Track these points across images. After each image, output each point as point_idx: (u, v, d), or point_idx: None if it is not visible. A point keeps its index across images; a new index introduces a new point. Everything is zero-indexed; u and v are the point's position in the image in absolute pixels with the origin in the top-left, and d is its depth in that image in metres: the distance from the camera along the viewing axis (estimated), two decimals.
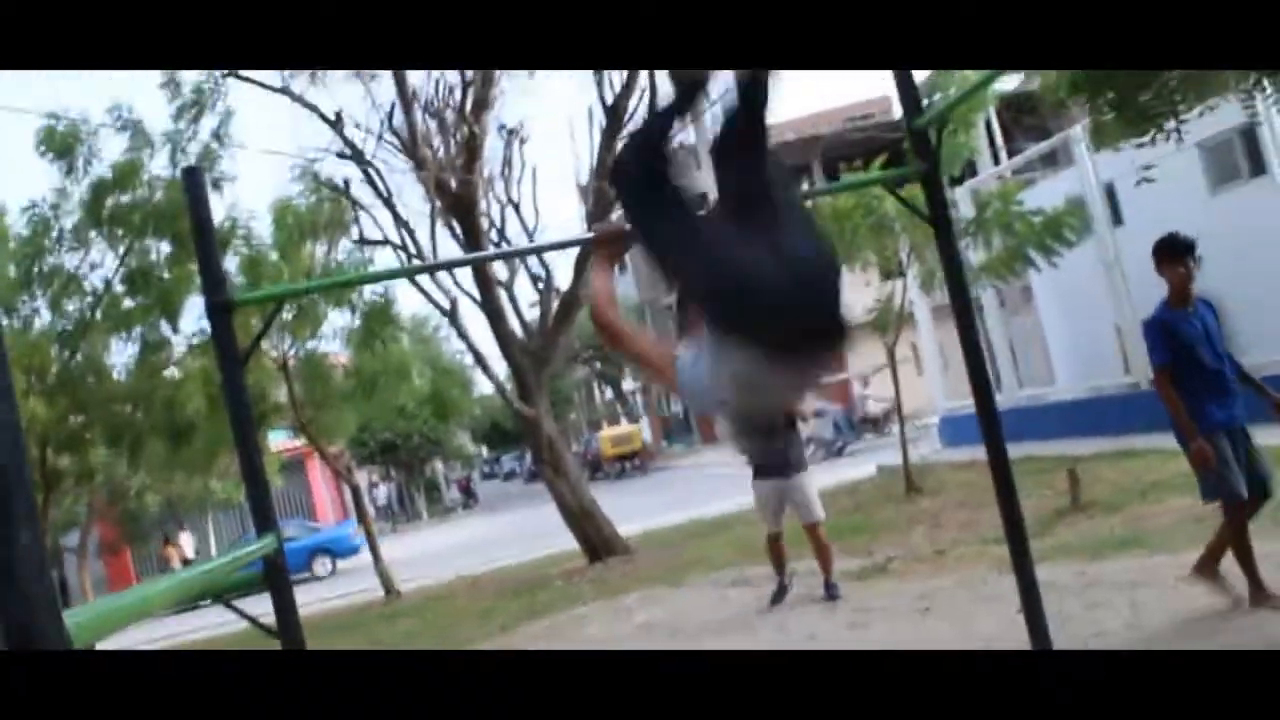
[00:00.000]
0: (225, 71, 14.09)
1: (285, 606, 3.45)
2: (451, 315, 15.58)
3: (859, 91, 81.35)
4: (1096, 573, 8.22)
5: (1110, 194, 16.20)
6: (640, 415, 59.74)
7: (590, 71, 14.02)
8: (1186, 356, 6.65)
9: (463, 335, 15.86)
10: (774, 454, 9.54)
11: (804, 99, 42.79)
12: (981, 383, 4.19)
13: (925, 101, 5.62)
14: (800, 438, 9.99)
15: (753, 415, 3.43)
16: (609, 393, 62.74)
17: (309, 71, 13.83)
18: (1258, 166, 14.10)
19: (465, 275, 15.85)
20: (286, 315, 15.88)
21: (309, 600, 20.02)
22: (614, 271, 4.05)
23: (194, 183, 3.80)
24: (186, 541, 32.20)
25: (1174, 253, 6.76)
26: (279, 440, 26.46)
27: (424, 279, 15.44)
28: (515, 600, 13.89)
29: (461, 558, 20.06)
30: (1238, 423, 6.60)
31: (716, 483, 26.08)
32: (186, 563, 30.53)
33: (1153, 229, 15.56)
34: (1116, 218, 16.25)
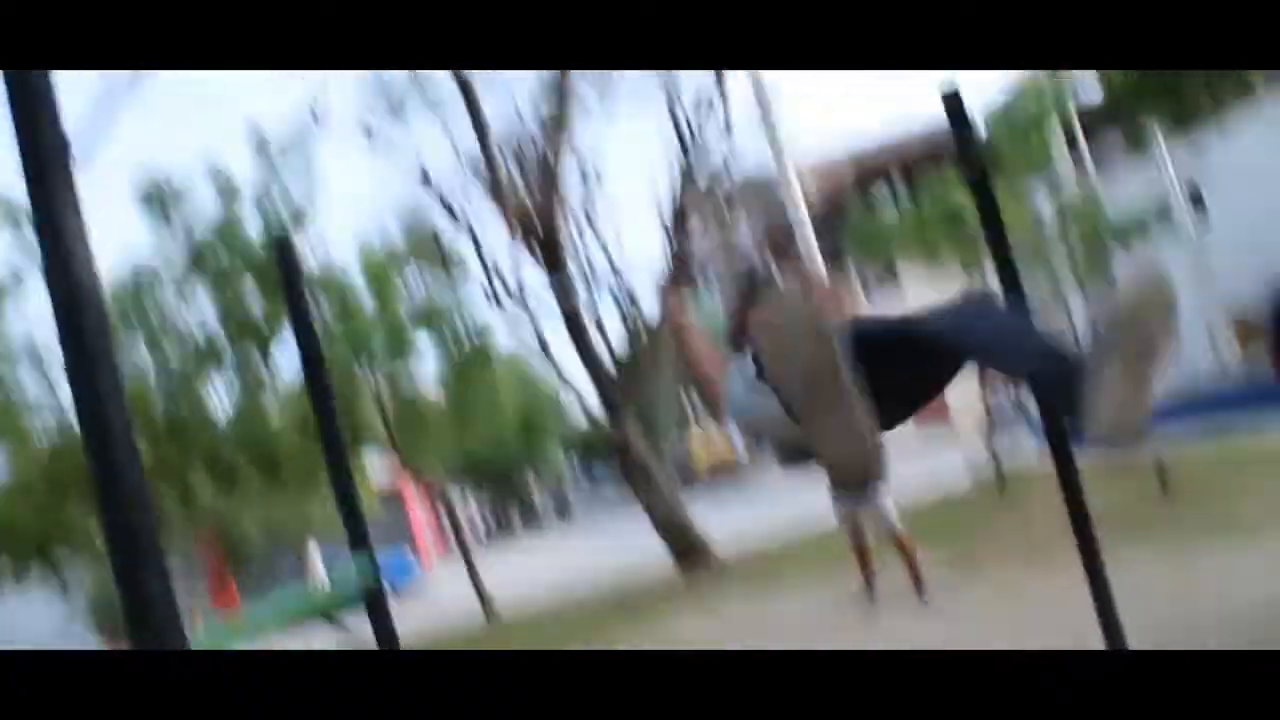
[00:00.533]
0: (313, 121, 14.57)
1: (385, 633, 3.65)
2: (544, 349, 16.10)
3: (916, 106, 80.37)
4: None
5: (1193, 189, 16.03)
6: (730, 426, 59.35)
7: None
8: None
9: (555, 367, 16.30)
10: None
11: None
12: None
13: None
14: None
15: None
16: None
17: (386, 108, 14.33)
18: None
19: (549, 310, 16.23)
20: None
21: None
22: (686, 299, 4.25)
23: (285, 253, 4.04)
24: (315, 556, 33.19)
25: None
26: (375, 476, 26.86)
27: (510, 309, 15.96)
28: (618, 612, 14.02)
29: (560, 574, 20.12)
30: None
31: (811, 494, 25.97)
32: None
33: (1237, 218, 15.52)
34: (1200, 212, 16.07)
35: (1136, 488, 11.49)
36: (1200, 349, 16.65)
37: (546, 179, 14.90)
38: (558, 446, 51.32)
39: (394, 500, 36.53)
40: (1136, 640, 4.92)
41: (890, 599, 9.94)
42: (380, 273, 16.65)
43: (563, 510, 50.70)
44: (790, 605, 11.47)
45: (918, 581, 9.70)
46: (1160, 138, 15.73)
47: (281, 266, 3.86)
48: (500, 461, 41.48)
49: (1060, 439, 4.23)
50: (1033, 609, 8.38)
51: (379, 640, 3.70)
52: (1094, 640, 5.11)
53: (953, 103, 4.16)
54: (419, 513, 40.39)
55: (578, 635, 13.31)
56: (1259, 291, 15.49)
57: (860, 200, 16.73)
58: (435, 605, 23.56)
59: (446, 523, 46.15)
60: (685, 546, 15.73)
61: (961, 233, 14.58)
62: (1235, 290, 15.67)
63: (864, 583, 10.07)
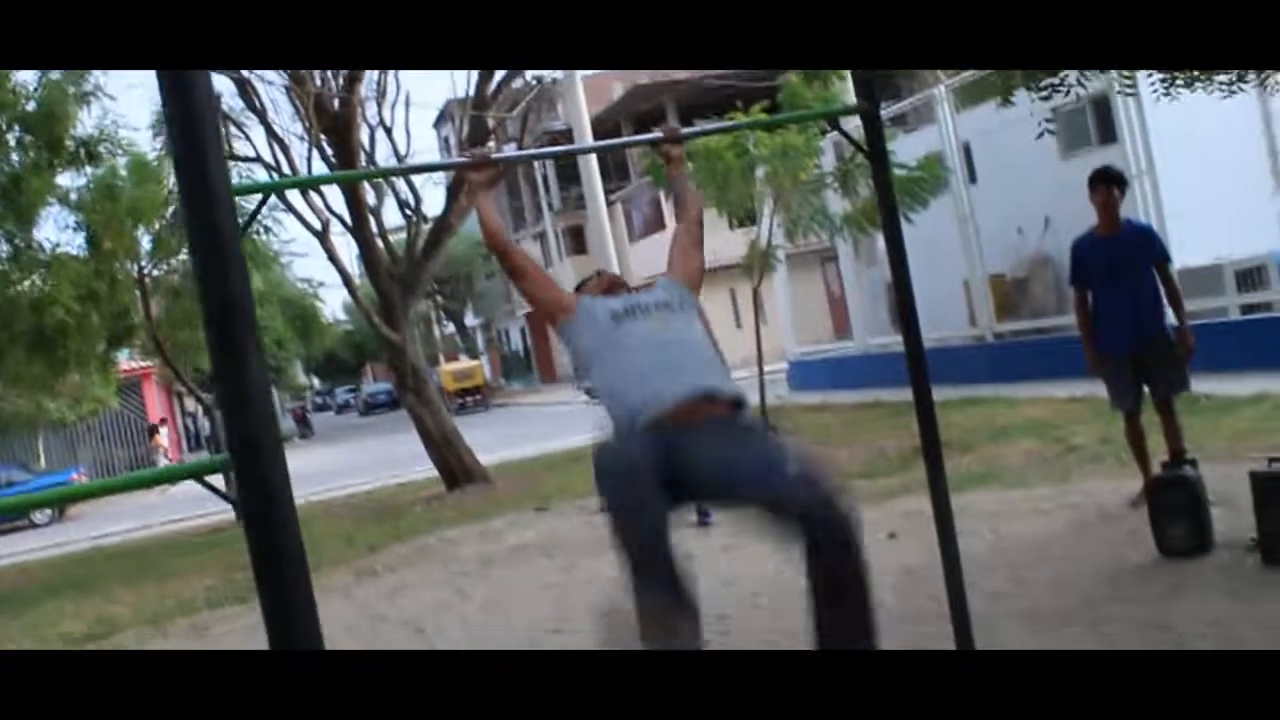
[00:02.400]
0: None
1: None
2: (323, 237, 15.48)
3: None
4: (960, 504, 8.74)
5: (966, 153, 16.90)
6: (480, 352, 59.68)
7: None
8: (1096, 278, 7.33)
9: (333, 258, 15.74)
10: None
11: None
12: (911, 322, 4.51)
13: None
14: None
15: None
16: (450, 327, 62.40)
17: None
18: (1107, 135, 14.90)
19: (336, 198, 15.78)
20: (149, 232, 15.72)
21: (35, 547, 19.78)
22: (491, 198, 4.33)
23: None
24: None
25: (1100, 182, 7.36)
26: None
27: (295, 200, 15.35)
28: (377, 524, 13.97)
29: (307, 485, 19.87)
30: (1137, 344, 7.19)
31: (558, 419, 26.51)
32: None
33: (1005, 188, 16.49)
34: (971, 177, 16.96)
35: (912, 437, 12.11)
36: (960, 307, 17.59)
37: (350, 75, 14.46)
38: (300, 360, 50.34)
39: (132, 389, 35.14)
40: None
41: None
42: (141, 158, 15.90)
43: (305, 430, 49.80)
44: (563, 519, 11.66)
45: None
46: (945, 102, 16.46)
47: None
48: None
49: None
50: None
51: None
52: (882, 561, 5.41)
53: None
54: (156, 408, 38.96)
55: (336, 538, 13.18)
56: (1018, 249, 16.52)
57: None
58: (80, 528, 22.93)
59: (182, 422, 44.84)
60: (453, 459, 15.72)
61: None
62: (995, 248, 16.67)
63: None
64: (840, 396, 18.19)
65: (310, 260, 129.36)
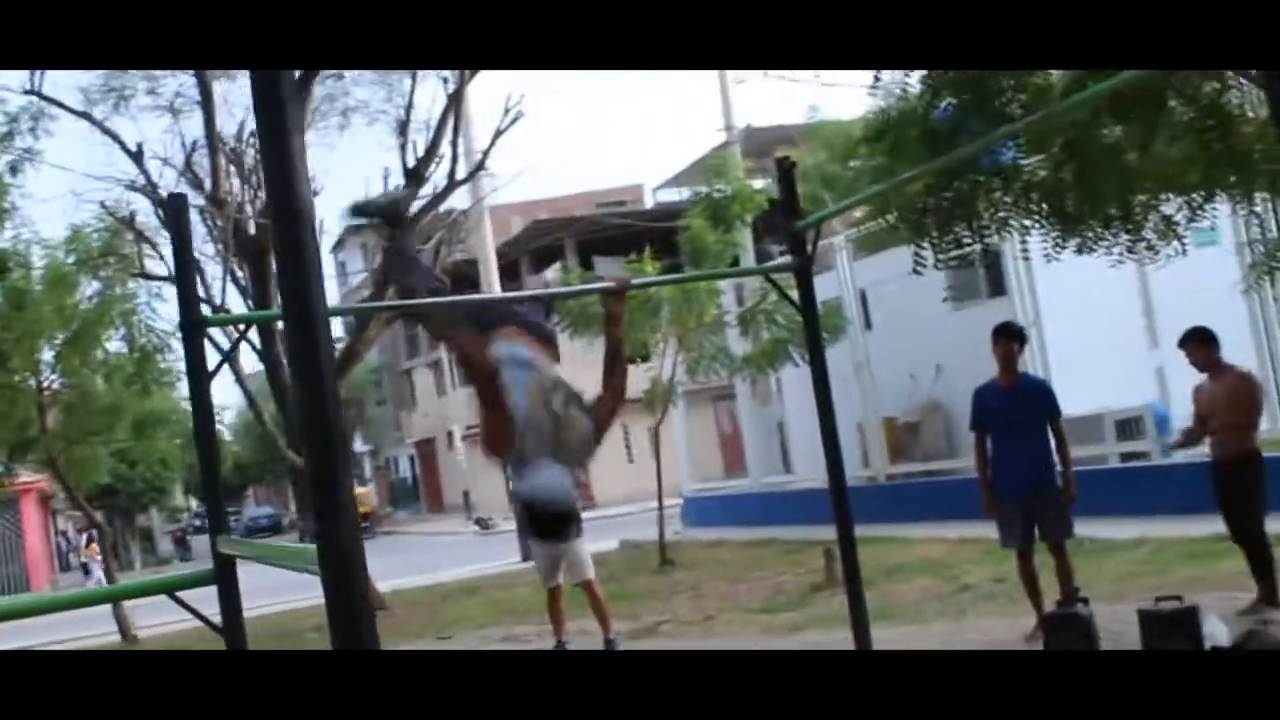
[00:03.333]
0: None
1: (232, 608, 3.77)
2: (231, 359, 15.48)
3: (610, 178, 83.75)
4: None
5: (862, 301, 17.58)
6: (368, 479, 59.05)
7: (395, 135, 14.39)
8: (994, 426, 7.81)
9: (240, 380, 15.76)
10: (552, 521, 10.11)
11: (554, 181, 43.87)
12: (835, 460, 4.83)
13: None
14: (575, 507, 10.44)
15: None
16: None
17: (115, 98, 13.75)
18: (997, 288, 15.66)
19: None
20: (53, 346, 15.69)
21: None
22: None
23: (178, 210, 4.12)
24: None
25: (1003, 336, 7.94)
26: None
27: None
28: (275, 649, 13.81)
29: (203, 605, 19.38)
30: (1032, 491, 7.65)
31: (447, 549, 26.34)
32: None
33: (899, 335, 17.15)
34: (867, 323, 17.63)
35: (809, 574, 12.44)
36: (854, 448, 18.07)
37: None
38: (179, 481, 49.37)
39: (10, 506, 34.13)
40: None
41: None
42: (56, 268, 15.88)
43: (184, 551, 48.55)
44: (467, 650, 11.68)
45: (605, 625, 10.12)
46: (844, 251, 17.18)
47: (171, 222, 3.90)
48: (128, 491, 39.53)
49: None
50: None
51: (224, 617, 3.80)
52: None
53: (790, 196, 4.69)
54: (34, 526, 37.86)
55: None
56: (911, 395, 17.13)
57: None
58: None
59: (57, 542, 43.49)
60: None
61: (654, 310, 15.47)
62: (889, 393, 17.28)
63: (554, 630, 10.42)
64: (735, 533, 18.45)
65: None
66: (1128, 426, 14.78)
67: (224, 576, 3.75)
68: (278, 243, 1.98)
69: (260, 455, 52.26)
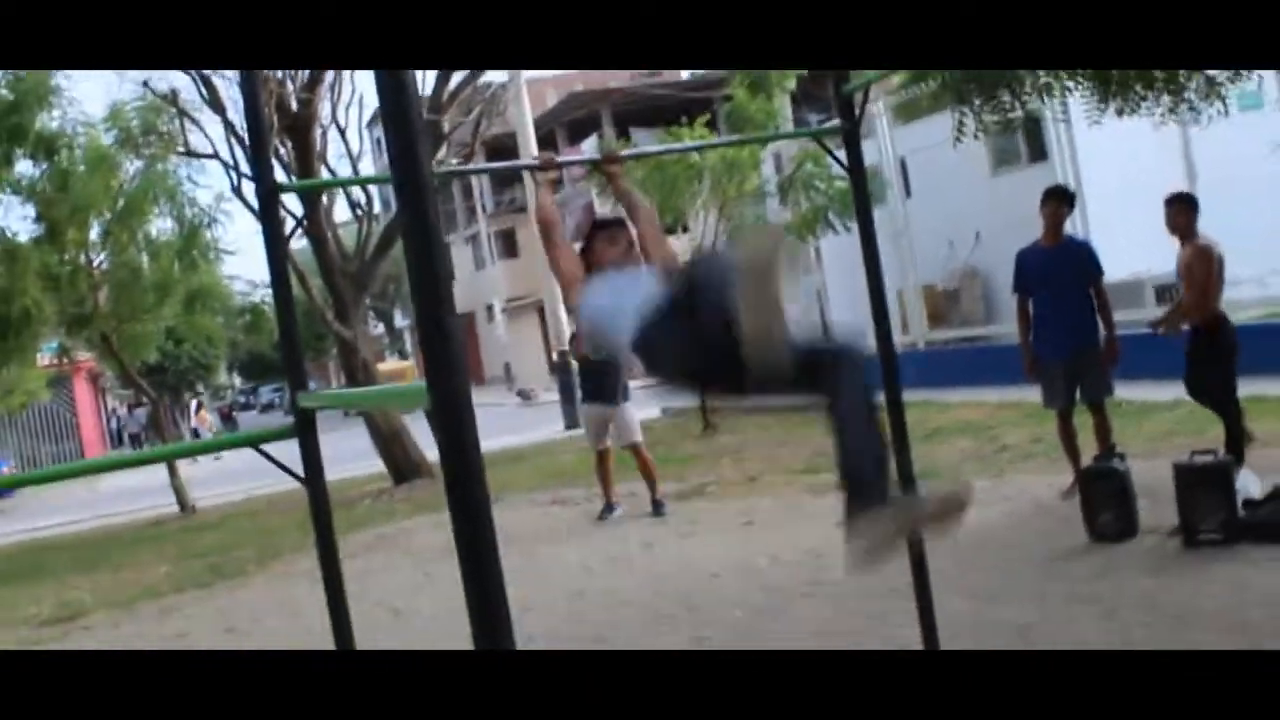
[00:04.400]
0: None
1: (313, 460, 4.02)
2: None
3: None
4: None
5: (902, 168, 17.57)
6: (409, 353, 59.68)
7: None
8: (1036, 287, 8.02)
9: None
10: (599, 385, 10.44)
11: None
12: (884, 329, 4.96)
13: None
14: (623, 371, 10.72)
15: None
16: (379, 327, 62.30)
17: None
18: (1037, 153, 15.62)
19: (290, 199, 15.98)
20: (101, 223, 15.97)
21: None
22: (553, 191, 4.79)
23: (250, 86, 4.28)
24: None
25: (1052, 199, 8.09)
26: (43, 356, 25.51)
27: (251, 195, 15.59)
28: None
29: (244, 480, 19.96)
30: (1073, 351, 7.90)
31: (491, 420, 26.67)
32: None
33: (938, 203, 17.18)
34: (906, 191, 17.64)
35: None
36: (893, 316, 18.24)
37: (313, 75, 14.76)
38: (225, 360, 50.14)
39: (64, 384, 34.84)
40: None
41: (627, 513, 10.68)
42: (97, 148, 16.06)
43: (231, 428, 49.31)
44: (516, 511, 12.03)
45: (653, 487, 10.45)
46: (883, 118, 17.11)
47: (244, 92, 4.01)
48: (175, 369, 40.27)
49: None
50: (767, 522, 9.28)
51: (305, 467, 4.05)
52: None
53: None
54: (86, 404, 38.69)
55: (290, 528, 13.47)
56: (949, 262, 17.22)
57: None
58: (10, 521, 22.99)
59: (115, 420, 44.40)
60: (400, 454, 16.04)
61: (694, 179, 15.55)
62: (928, 261, 17.37)
63: (602, 492, 10.75)
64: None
65: (240, 259, 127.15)
66: (1167, 292, 14.84)
67: (305, 430, 3.97)
68: (384, 112, 2.13)
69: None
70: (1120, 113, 6.93)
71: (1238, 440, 7.84)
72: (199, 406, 42.34)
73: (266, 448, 4.04)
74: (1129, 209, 14.56)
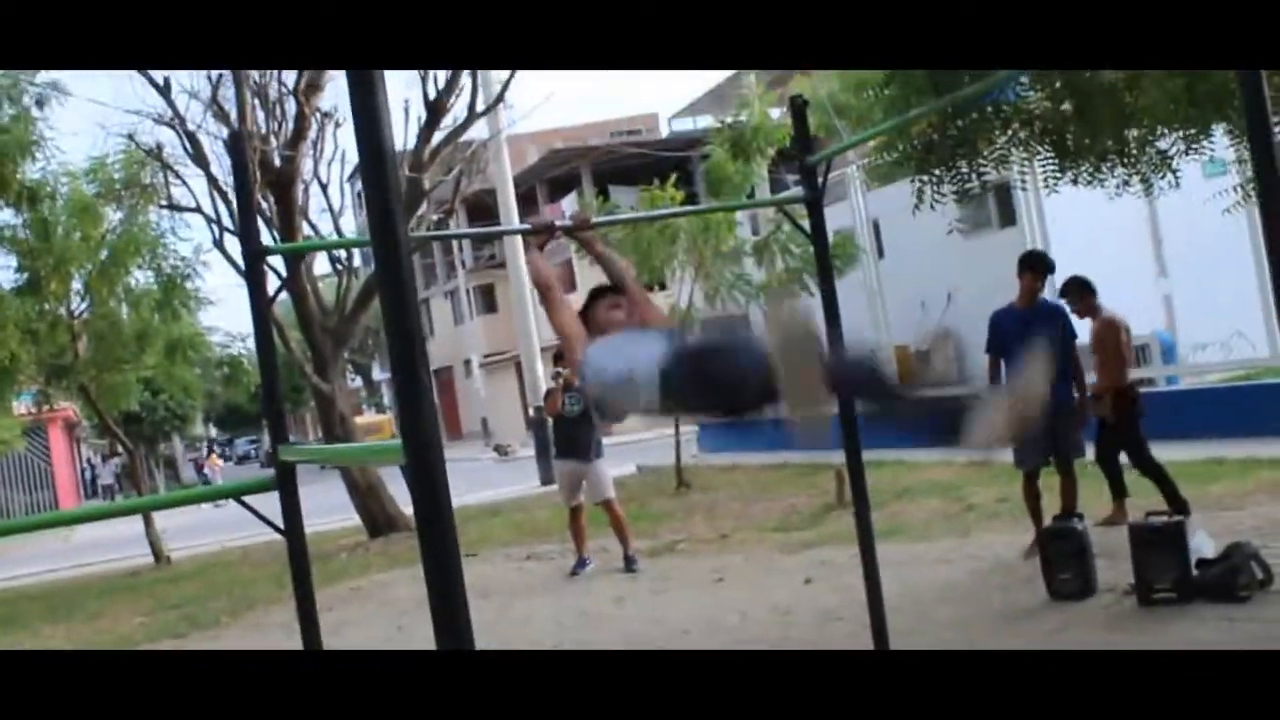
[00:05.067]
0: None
1: (292, 509, 4.16)
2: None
3: (625, 106, 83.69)
4: None
5: (875, 231, 17.87)
6: (387, 406, 59.66)
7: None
8: (1010, 349, 7.93)
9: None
10: (573, 441, 10.59)
11: (570, 110, 44.02)
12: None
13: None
14: (596, 429, 10.83)
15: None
16: (357, 380, 62.30)
17: None
18: (1007, 218, 15.95)
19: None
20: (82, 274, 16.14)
21: None
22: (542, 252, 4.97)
23: (237, 147, 4.48)
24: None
25: (1027, 265, 8.29)
26: (19, 404, 25.46)
27: (232, 245, 15.83)
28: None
29: (219, 532, 19.92)
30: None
31: (467, 475, 26.82)
32: None
33: (911, 265, 17.48)
34: (879, 253, 17.94)
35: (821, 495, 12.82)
36: None
37: (297, 125, 14.98)
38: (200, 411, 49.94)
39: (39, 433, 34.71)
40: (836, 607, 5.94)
41: (599, 568, 10.80)
42: (80, 199, 16.24)
43: (204, 477, 49.10)
44: (492, 566, 12.13)
45: (625, 543, 10.56)
46: (857, 181, 17.43)
47: (233, 157, 4.22)
48: (151, 419, 40.09)
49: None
50: (737, 579, 9.42)
51: (285, 519, 4.19)
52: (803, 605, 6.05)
53: (803, 130, 5.01)
54: (61, 453, 38.56)
55: (266, 579, 13.52)
56: (922, 323, 17.47)
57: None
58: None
59: (90, 469, 44.14)
60: (376, 508, 16.10)
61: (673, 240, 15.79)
62: (901, 321, 17.62)
63: (575, 548, 10.87)
64: (748, 458, 18.84)
65: (219, 310, 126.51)
66: (1135, 353, 15.14)
67: (285, 482, 4.13)
68: (364, 178, 2.28)
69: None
70: (1076, 182, 7.17)
71: (1177, 496, 8.17)
72: (209, 451, 44.25)
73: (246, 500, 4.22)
74: (1098, 270, 14.86)
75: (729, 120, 17.11)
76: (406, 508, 16.45)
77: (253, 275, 4.33)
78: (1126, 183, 6.90)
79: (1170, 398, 13.46)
